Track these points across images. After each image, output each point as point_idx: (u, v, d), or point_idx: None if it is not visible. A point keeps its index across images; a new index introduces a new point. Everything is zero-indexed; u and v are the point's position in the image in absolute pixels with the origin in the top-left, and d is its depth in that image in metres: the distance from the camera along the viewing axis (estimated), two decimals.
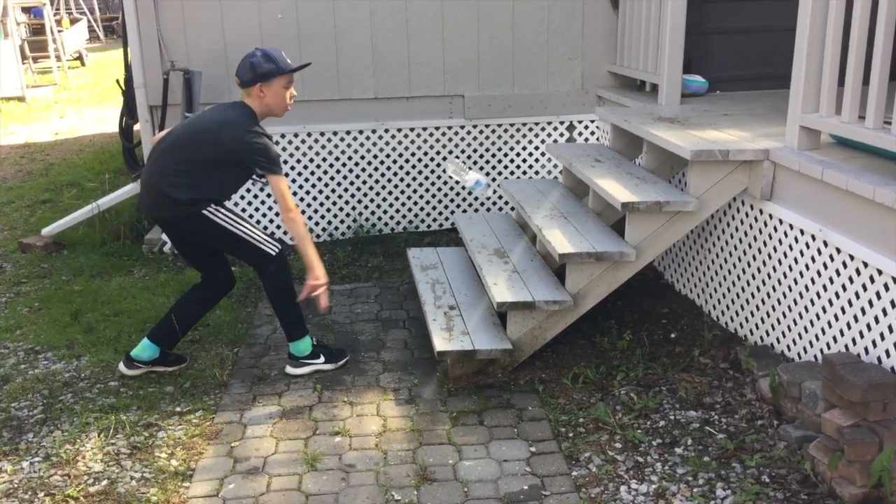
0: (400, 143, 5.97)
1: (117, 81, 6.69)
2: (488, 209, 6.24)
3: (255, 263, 3.91)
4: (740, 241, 4.12)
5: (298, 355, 4.01)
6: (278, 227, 5.95)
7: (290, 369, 4.02)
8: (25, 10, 15.93)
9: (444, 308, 4.26)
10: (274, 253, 3.87)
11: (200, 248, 3.96)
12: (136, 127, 6.19)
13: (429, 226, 6.19)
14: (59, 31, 16.23)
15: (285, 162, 5.85)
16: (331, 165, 5.93)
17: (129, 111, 6.41)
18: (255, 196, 5.89)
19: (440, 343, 3.87)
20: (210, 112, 3.86)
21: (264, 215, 5.93)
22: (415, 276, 4.75)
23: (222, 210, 3.77)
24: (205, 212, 3.71)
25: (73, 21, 18.92)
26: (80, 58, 17.70)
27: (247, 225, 3.84)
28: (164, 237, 5.80)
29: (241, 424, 3.56)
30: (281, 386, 3.90)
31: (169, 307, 4.08)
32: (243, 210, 5.89)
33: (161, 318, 4.03)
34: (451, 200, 6.17)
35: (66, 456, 3.32)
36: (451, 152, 6.05)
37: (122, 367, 3.98)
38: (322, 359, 4.03)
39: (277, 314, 4.01)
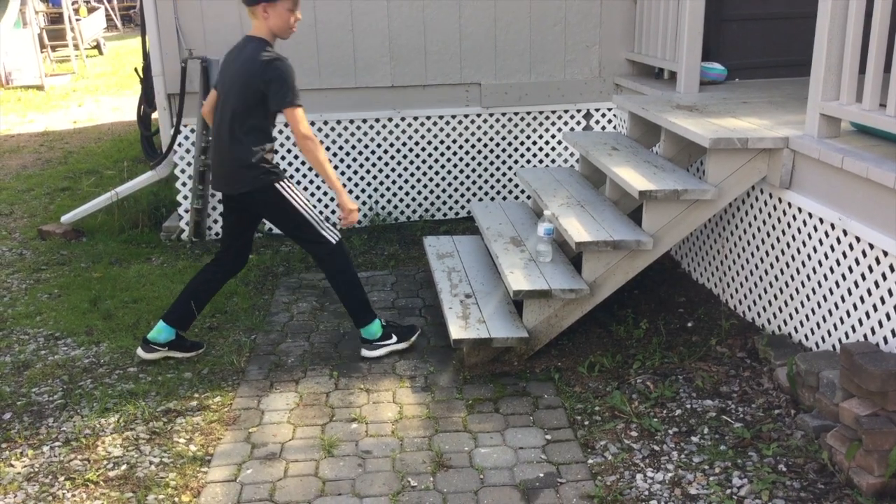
0: (416, 131, 5.97)
1: (136, 70, 6.72)
2: (504, 197, 6.23)
3: (315, 250, 3.93)
4: (759, 229, 4.10)
5: (371, 338, 4.03)
6: None
7: (365, 352, 4.03)
8: None
9: (461, 296, 4.26)
10: (334, 241, 3.91)
11: (248, 227, 4.00)
12: (154, 115, 6.22)
13: (445, 214, 6.19)
14: (77, 20, 16.32)
15: (296, 155, 5.85)
16: (347, 154, 5.94)
17: (147, 99, 6.44)
18: None
19: (456, 331, 3.88)
20: (232, 64, 3.80)
21: None
22: (431, 265, 4.75)
23: (294, 189, 3.83)
24: (277, 185, 3.77)
25: (91, 10, 19.01)
26: (97, 46, 17.78)
27: (314, 210, 3.90)
28: (183, 224, 5.84)
29: (259, 410, 3.59)
30: (298, 373, 3.92)
31: None
32: None
33: (176, 301, 4.06)
34: (468, 189, 6.17)
35: (86, 441, 3.35)
36: (467, 140, 6.04)
37: (140, 351, 4.01)
38: (395, 338, 4.06)
39: (342, 301, 4.02)
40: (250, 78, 3.66)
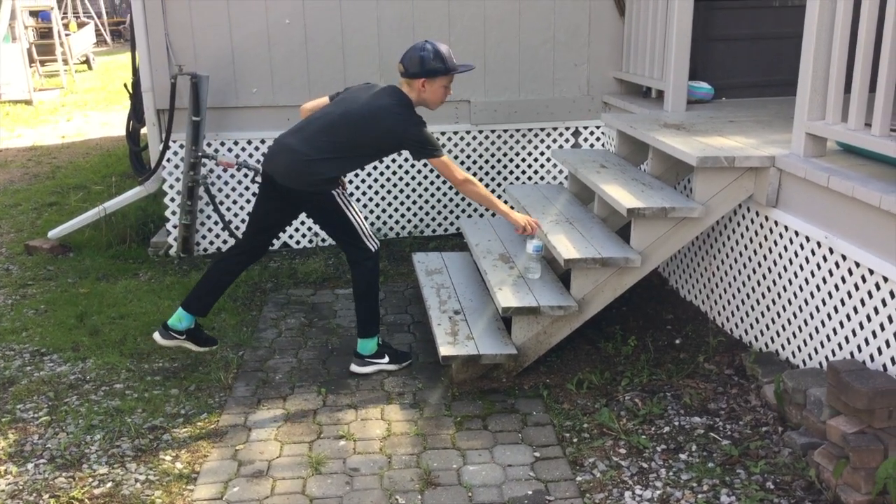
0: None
1: (125, 85, 6.73)
2: (493, 214, 6.24)
3: (354, 255, 3.97)
4: (745, 247, 4.12)
5: (365, 353, 4.05)
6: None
7: (355, 368, 4.04)
8: (33, 13, 16.00)
9: (449, 313, 4.26)
10: (373, 249, 3.96)
11: (285, 220, 4.06)
12: (143, 131, 6.22)
13: (434, 230, 6.20)
14: (67, 35, 16.32)
15: None
16: None
17: (136, 115, 6.45)
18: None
19: (445, 348, 3.88)
20: (364, 95, 3.87)
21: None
22: (420, 281, 4.75)
23: (345, 195, 3.90)
24: (334, 192, 3.83)
25: (81, 25, 19.02)
26: (87, 61, 17.77)
27: (360, 216, 3.95)
28: (171, 240, 5.82)
29: (246, 428, 3.57)
30: (285, 389, 3.91)
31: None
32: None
33: (193, 287, 4.07)
34: (457, 205, 6.18)
35: (71, 458, 3.32)
36: (456, 157, 6.06)
37: (157, 336, 4.01)
38: (387, 359, 4.06)
39: (357, 308, 4.05)
40: (387, 131, 3.77)
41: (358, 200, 6.00)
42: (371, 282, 4.00)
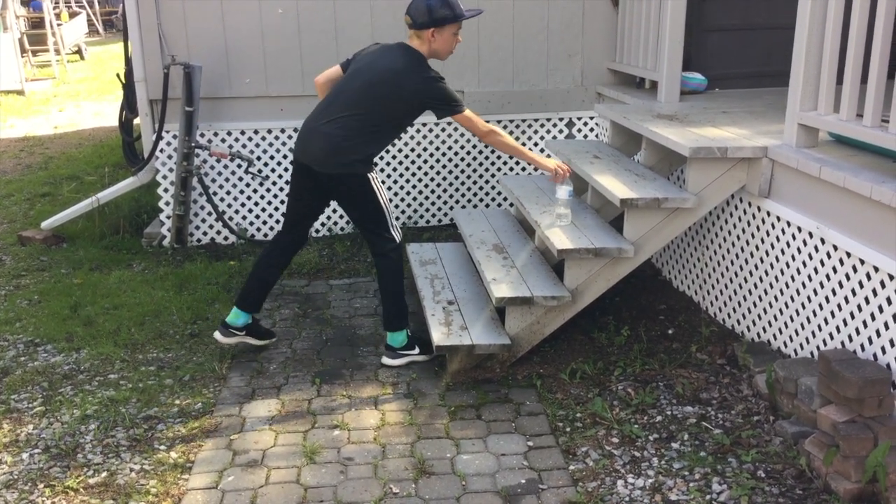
0: (399, 138, 5.98)
1: (118, 75, 6.70)
2: (487, 205, 6.25)
3: (378, 245, 3.96)
4: (738, 237, 4.14)
5: (395, 346, 4.04)
6: (265, 221, 5.96)
7: (386, 360, 4.03)
8: (25, 3, 15.93)
9: (443, 303, 4.27)
10: (398, 239, 3.95)
11: (318, 209, 4.07)
12: (136, 121, 6.20)
13: (427, 221, 6.21)
14: (59, 25, 16.22)
15: (279, 162, 5.86)
16: None
17: (129, 105, 6.42)
18: (248, 185, 5.90)
19: (439, 338, 3.89)
20: (378, 61, 3.82)
21: (261, 208, 5.94)
22: (413, 271, 4.76)
23: (378, 180, 3.88)
24: (369, 175, 3.81)
25: (73, 15, 18.91)
26: (79, 51, 17.68)
27: (389, 204, 3.94)
28: (164, 231, 5.82)
29: (241, 417, 3.58)
30: (280, 379, 3.92)
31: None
32: (251, 197, 5.90)
33: (244, 284, 4.12)
34: (451, 196, 6.19)
35: (66, 448, 3.33)
36: (450, 148, 6.06)
37: (218, 335, 4.06)
38: (417, 350, 4.05)
39: (383, 301, 4.04)
40: (410, 93, 3.74)
41: None
42: (396, 273, 3.98)
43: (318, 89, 4.07)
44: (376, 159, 5.91)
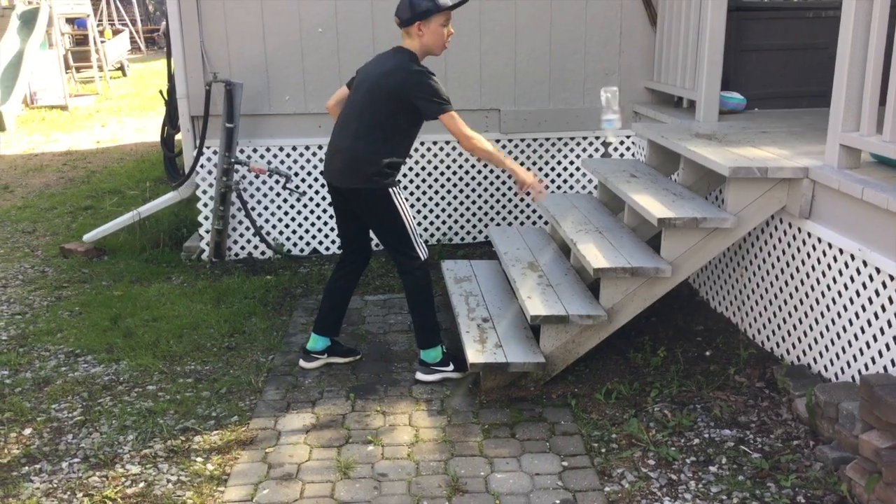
0: (435, 155, 6.02)
1: (160, 92, 6.83)
2: (522, 223, 6.25)
3: (404, 263, 3.97)
4: (778, 259, 4.09)
5: (430, 362, 4.05)
6: (303, 236, 6.01)
7: (420, 376, 4.05)
8: (69, 20, 16.30)
9: (478, 320, 4.27)
10: (423, 257, 3.96)
11: (360, 225, 4.07)
12: (178, 136, 6.31)
13: (462, 238, 6.22)
14: (102, 42, 16.60)
15: (315, 178, 5.92)
16: None
17: (171, 121, 6.54)
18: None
19: (473, 355, 3.89)
20: (375, 67, 3.87)
21: (294, 220, 6.00)
22: (448, 288, 4.77)
23: (402, 196, 3.90)
24: (391, 189, 3.82)
25: (116, 32, 19.33)
26: (121, 68, 18.06)
27: (413, 221, 3.95)
28: (203, 245, 5.89)
29: (276, 431, 3.60)
30: (314, 394, 3.94)
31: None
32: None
33: (319, 310, 4.19)
34: (486, 214, 6.20)
35: (105, 457, 3.38)
36: (485, 165, 6.08)
37: (302, 362, 4.17)
38: (451, 366, 4.06)
39: (414, 319, 4.07)
40: (395, 88, 3.73)
41: None
42: (424, 291, 3.98)
43: (330, 112, 4.10)
44: (401, 176, 5.95)
